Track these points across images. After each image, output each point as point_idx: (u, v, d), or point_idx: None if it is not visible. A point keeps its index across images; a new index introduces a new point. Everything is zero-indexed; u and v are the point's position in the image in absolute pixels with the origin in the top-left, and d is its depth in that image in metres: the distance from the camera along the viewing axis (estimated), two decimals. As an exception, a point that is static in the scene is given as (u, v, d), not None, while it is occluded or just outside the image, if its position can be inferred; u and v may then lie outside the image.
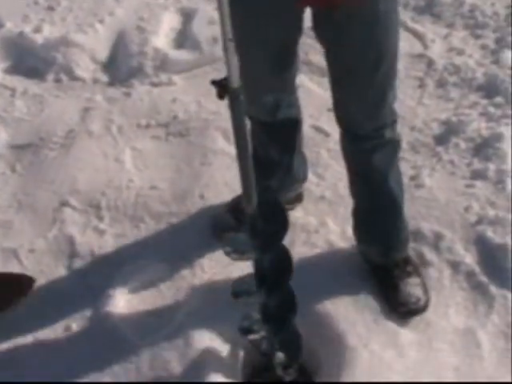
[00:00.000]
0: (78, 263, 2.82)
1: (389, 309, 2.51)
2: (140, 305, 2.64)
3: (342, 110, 2.30)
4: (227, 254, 1.99)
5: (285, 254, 2.06)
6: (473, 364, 2.37)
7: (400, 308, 2.50)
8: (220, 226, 2.79)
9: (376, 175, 2.42)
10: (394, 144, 2.38)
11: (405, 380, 2.33)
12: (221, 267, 2.69)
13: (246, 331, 2.19)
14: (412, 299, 2.50)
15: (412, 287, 2.52)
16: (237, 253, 2.00)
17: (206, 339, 2.48)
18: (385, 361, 2.38)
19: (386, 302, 2.53)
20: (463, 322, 2.48)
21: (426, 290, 2.53)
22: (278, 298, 2.11)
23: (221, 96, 1.68)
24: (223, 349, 2.48)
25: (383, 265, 2.57)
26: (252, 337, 2.23)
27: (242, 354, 2.50)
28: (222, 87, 1.67)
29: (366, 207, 2.54)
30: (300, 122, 2.63)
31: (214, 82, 1.67)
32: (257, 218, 1.94)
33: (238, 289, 2.11)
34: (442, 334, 2.46)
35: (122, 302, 2.64)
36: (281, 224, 2.00)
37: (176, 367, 2.43)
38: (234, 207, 2.75)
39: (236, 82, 1.66)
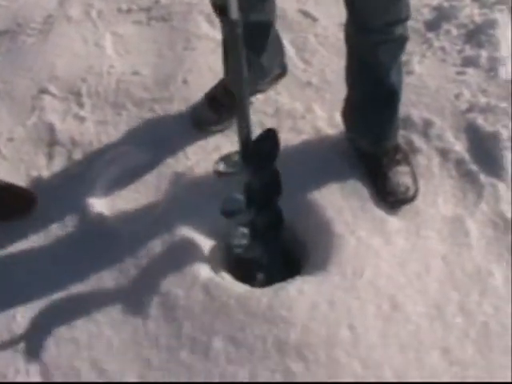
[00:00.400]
0: (58, 151, 2.73)
1: (377, 197, 2.44)
2: (122, 193, 2.56)
3: None
4: (217, 172, 2.04)
5: (275, 176, 2.09)
6: (461, 252, 2.32)
7: (388, 197, 2.44)
8: (199, 119, 2.71)
9: (379, 68, 2.30)
10: (403, 40, 2.25)
11: (392, 266, 2.28)
12: (205, 154, 2.61)
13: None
14: (401, 188, 2.43)
15: (401, 176, 2.44)
16: (227, 174, 2.04)
17: (190, 229, 2.42)
18: (372, 248, 2.33)
19: (375, 190, 2.46)
20: (452, 210, 2.42)
21: (415, 180, 2.46)
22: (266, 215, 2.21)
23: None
24: (205, 242, 2.41)
25: (372, 153, 2.48)
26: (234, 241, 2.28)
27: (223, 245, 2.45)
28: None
29: (363, 98, 2.42)
30: (271, 25, 2.55)
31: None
32: (249, 142, 1.95)
33: (228, 208, 2.15)
34: (431, 222, 2.40)
35: (104, 189, 2.55)
36: (272, 148, 2.03)
37: (159, 255, 2.36)
38: (212, 99, 2.66)
39: (235, 13, 1.69)
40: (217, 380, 2.12)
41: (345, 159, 2.54)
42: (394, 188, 2.42)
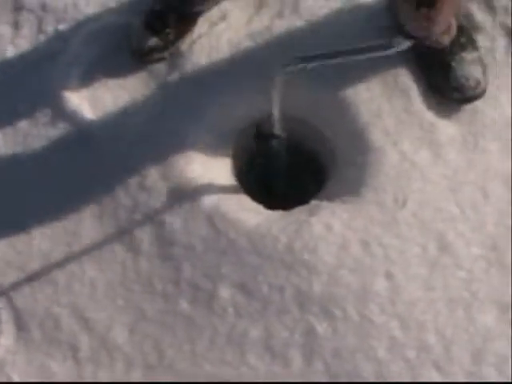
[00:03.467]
0: (26, 18, 2.04)
1: (435, 94, 1.82)
2: (104, 82, 1.92)
3: None
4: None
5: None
6: (528, 173, 1.75)
7: (453, 94, 1.81)
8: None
9: None
10: None
11: (442, 192, 1.74)
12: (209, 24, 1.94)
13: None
14: (470, 82, 1.79)
15: (469, 66, 1.79)
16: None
17: (191, 131, 1.83)
18: (418, 166, 1.78)
19: (431, 85, 1.82)
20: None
21: (485, 70, 1.82)
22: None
23: None
24: (209, 151, 1.83)
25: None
26: None
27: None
28: None
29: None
30: None
31: None
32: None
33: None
34: (491, 128, 1.80)
35: (82, 77, 1.92)
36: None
37: (150, 171, 1.80)
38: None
39: None
40: (224, 338, 1.66)
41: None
42: (462, 82, 1.79)
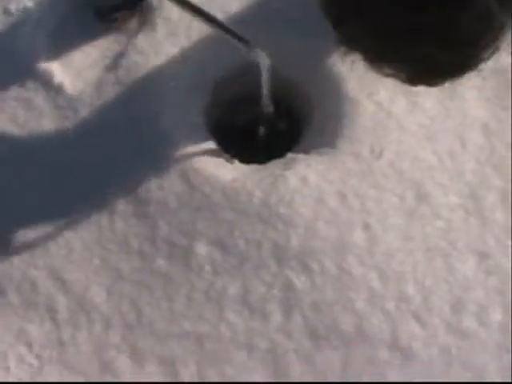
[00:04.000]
0: None
1: None
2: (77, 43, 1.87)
3: None
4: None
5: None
6: (506, 119, 1.71)
7: None
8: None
9: None
10: None
11: (419, 141, 1.70)
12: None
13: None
14: None
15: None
16: None
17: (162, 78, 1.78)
18: (394, 115, 1.74)
19: None
20: (502, 58, 1.76)
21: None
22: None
23: None
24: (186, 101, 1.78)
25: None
26: None
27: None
28: None
29: None
30: None
31: None
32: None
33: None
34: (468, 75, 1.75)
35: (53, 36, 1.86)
36: None
37: (124, 129, 1.76)
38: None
39: None
40: (202, 295, 1.63)
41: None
42: None
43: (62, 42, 1.85)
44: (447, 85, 1.66)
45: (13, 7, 1.89)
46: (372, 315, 1.60)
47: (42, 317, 1.66)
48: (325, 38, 1.71)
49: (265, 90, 1.64)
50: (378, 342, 1.58)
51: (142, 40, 1.85)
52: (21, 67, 1.85)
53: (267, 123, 1.81)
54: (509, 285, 1.60)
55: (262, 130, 1.84)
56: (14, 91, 1.84)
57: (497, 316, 1.58)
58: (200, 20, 1.45)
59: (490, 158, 1.68)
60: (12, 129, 1.79)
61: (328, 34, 1.71)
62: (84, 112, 1.80)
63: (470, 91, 1.74)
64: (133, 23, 1.87)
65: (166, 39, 1.82)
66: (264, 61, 1.51)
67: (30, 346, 1.65)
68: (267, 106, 1.73)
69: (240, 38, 1.46)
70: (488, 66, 1.61)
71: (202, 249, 1.65)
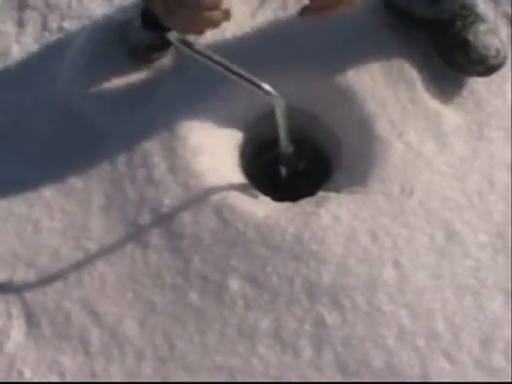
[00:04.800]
0: (30, 16, 2.01)
1: (459, 69, 1.82)
2: (107, 72, 1.90)
3: None
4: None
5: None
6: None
7: (476, 67, 1.78)
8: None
9: None
10: None
11: (448, 181, 1.72)
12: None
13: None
14: (491, 52, 1.77)
15: (485, 36, 1.78)
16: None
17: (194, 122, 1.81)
18: (424, 156, 1.76)
19: (453, 66, 1.82)
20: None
21: (500, 38, 1.80)
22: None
23: None
24: (219, 140, 1.81)
25: (431, 18, 1.79)
26: None
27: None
28: None
29: None
30: None
31: None
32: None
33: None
34: (496, 117, 1.79)
35: (86, 70, 1.89)
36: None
37: (157, 163, 1.78)
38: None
39: None
40: (234, 329, 1.64)
41: (384, 26, 1.86)
42: (483, 53, 1.76)
43: (98, 75, 1.88)
44: (475, 127, 1.72)
45: (52, 40, 1.92)
46: (402, 351, 1.61)
47: (75, 348, 1.67)
48: (348, 78, 1.79)
49: (282, 131, 1.66)
50: (407, 379, 1.59)
51: (174, 79, 1.87)
52: (56, 98, 1.88)
53: (288, 163, 1.84)
54: (538, 324, 1.61)
55: (283, 170, 1.87)
56: (46, 122, 1.87)
57: (525, 354, 1.59)
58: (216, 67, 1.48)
59: (518, 197, 1.71)
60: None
61: (353, 73, 1.77)
62: (115, 147, 1.82)
63: (497, 132, 1.76)
64: (166, 60, 1.89)
65: (198, 81, 1.85)
66: (279, 103, 1.53)
67: (63, 376, 1.65)
68: (286, 147, 1.75)
69: (256, 84, 1.47)
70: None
71: (234, 284, 1.66)
